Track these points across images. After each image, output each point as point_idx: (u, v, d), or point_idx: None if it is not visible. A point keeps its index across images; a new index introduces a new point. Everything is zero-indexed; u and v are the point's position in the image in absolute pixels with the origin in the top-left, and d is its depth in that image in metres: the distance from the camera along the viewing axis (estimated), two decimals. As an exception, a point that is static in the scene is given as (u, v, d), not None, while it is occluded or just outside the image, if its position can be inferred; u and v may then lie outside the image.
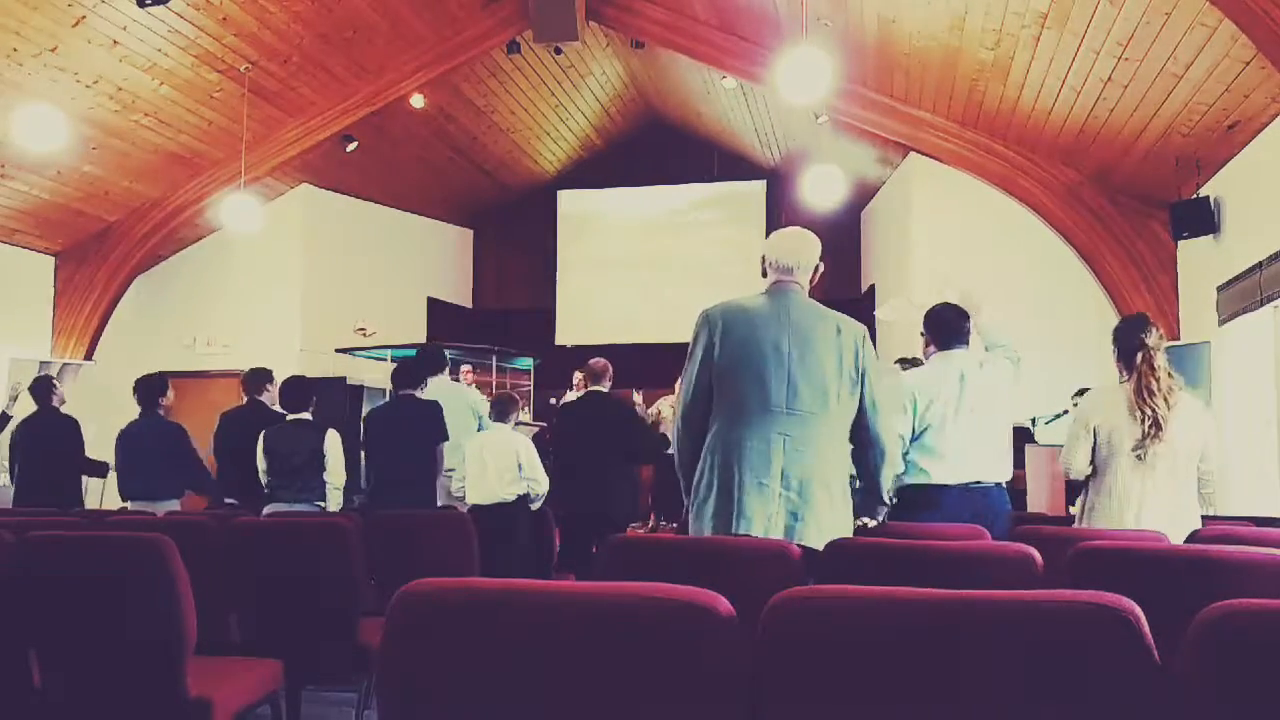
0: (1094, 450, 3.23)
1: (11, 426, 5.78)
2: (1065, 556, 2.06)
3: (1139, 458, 3.11)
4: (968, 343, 3.51)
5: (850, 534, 2.66)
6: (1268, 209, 5.70)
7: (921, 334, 3.60)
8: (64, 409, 5.77)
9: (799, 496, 2.57)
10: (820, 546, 2.45)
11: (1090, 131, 6.68)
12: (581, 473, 4.90)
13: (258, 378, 5.40)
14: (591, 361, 5.37)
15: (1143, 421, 3.10)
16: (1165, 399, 3.10)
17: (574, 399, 5.52)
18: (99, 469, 5.69)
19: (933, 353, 3.53)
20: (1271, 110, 5.50)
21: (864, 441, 2.68)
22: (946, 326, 3.52)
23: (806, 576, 2.18)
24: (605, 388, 5.29)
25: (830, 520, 2.58)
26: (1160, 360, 3.16)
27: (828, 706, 1.23)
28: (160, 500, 5.12)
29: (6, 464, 5.90)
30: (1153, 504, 3.10)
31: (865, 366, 2.65)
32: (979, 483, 3.33)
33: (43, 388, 5.68)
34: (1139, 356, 3.17)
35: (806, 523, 2.56)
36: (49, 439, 5.61)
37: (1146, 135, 6.36)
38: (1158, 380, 3.12)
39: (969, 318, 3.53)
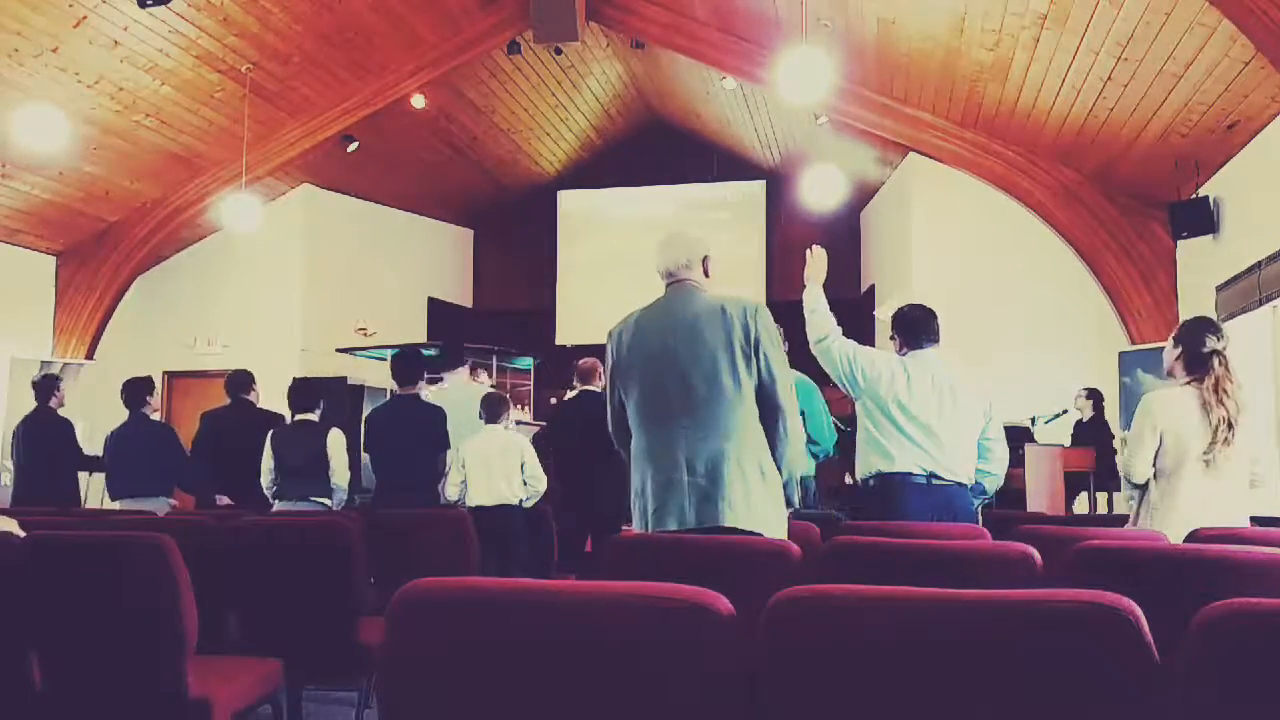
0: (1157, 454, 3.17)
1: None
2: (1065, 556, 2.06)
3: (1208, 462, 3.07)
4: (938, 340, 3.47)
5: (783, 511, 2.66)
6: (1266, 209, 5.71)
7: (891, 337, 3.58)
8: (64, 408, 5.83)
9: (708, 480, 2.57)
10: (755, 528, 2.48)
11: (1090, 131, 6.69)
12: (572, 472, 4.90)
13: (241, 379, 5.45)
14: (580, 362, 5.39)
15: (1215, 425, 3.06)
16: (1237, 401, 3.08)
17: (567, 399, 5.52)
18: (99, 464, 5.73)
19: (905, 353, 3.48)
20: (1270, 110, 5.50)
21: (766, 416, 2.66)
22: (915, 325, 3.48)
23: (808, 571, 2.18)
24: (596, 387, 5.31)
25: (746, 499, 2.56)
26: (1234, 365, 3.14)
27: (828, 706, 1.24)
28: (148, 497, 5.15)
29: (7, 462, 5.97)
30: (1220, 508, 3.06)
31: (758, 338, 2.63)
32: (939, 477, 3.31)
33: (45, 386, 5.75)
34: (1215, 360, 3.13)
35: (719, 505, 2.55)
36: (45, 438, 5.69)
37: (1146, 135, 6.36)
38: (1232, 383, 3.10)
39: (936, 315, 3.50)
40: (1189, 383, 3.17)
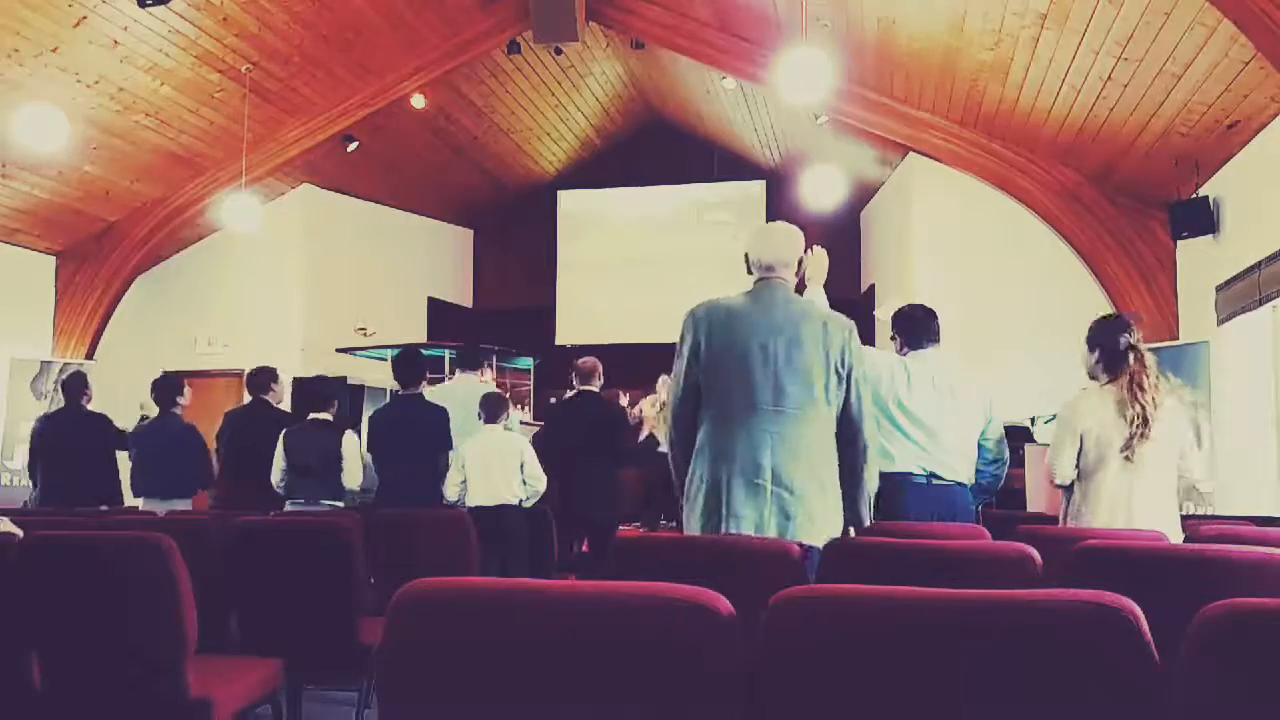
0: (1079, 454, 3.20)
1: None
2: (1065, 556, 2.06)
3: (1128, 459, 3.09)
4: (939, 340, 3.47)
5: (840, 524, 2.64)
6: (1267, 209, 5.70)
7: (892, 337, 3.57)
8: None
9: (790, 494, 2.55)
10: (818, 543, 2.45)
11: (1089, 131, 6.68)
12: (565, 473, 4.88)
13: (259, 378, 5.42)
14: (580, 361, 5.35)
15: (1131, 421, 3.08)
16: (1154, 397, 3.09)
17: (563, 399, 5.49)
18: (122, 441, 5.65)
19: (905, 353, 3.48)
20: (1271, 110, 5.50)
21: (848, 437, 2.64)
22: (916, 325, 3.48)
23: (808, 574, 2.19)
24: (595, 387, 5.27)
25: (823, 515, 2.57)
26: (1150, 359, 3.16)
27: (828, 706, 1.23)
28: (172, 499, 5.14)
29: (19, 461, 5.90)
30: (1141, 505, 3.08)
31: (852, 364, 2.63)
32: (939, 477, 3.31)
33: (75, 385, 5.66)
34: (1131, 356, 3.15)
35: (799, 520, 2.54)
36: (79, 436, 5.53)
37: (1146, 135, 6.36)
38: (1149, 378, 3.11)
39: (936, 315, 3.49)
40: (1109, 383, 3.18)
